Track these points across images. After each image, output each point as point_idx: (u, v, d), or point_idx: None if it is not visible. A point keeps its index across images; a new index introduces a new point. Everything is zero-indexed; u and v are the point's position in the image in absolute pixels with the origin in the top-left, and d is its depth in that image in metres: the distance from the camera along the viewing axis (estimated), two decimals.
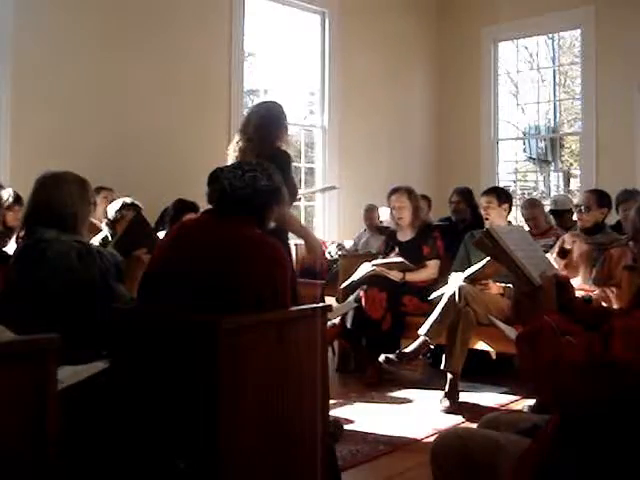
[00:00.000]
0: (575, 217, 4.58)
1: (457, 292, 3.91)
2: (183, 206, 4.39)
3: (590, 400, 1.27)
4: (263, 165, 2.28)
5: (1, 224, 3.42)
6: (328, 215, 6.65)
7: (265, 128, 3.31)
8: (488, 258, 3.84)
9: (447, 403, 3.80)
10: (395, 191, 4.70)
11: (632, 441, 1.29)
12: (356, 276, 4.60)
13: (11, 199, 3.63)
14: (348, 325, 4.38)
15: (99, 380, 2.11)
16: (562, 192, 9.46)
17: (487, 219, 4.29)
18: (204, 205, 2.38)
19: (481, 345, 4.02)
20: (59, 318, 2.12)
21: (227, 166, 2.34)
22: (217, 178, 2.22)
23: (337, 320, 4.40)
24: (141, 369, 2.08)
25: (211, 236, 2.14)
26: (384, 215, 6.00)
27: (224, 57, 5.84)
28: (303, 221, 6.41)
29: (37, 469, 1.62)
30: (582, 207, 4.14)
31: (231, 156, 3.36)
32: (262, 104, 3.61)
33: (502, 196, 4.34)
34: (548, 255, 3.59)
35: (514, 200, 4.91)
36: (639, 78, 6.46)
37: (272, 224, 3.28)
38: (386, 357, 3.96)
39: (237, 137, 3.43)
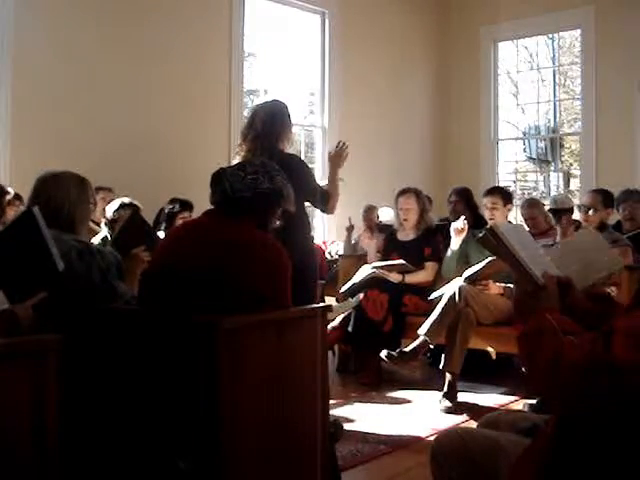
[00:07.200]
0: (577, 217, 4.57)
1: (457, 292, 3.91)
2: (178, 205, 4.40)
3: (590, 400, 1.27)
4: (266, 166, 2.27)
5: (2, 223, 3.41)
6: (328, 215, 6.63)
7: (269, 131, 3.15)
8: (488, 259, 3.85)
9: (446, 403, 3.80)
10: (403, 192, 4.70)
11: (632, 441, 1.29)
12: (356, 279, 4.60)
13: (10, 197, 3.63)
14: (349, 329, 4.37)
15: (100, 379, 2.11)
16: (562, 192, 9.44)
17: (492, 219, 4.25)
18: (204, 205, 2.38)
19: (481, 345, 4.02)
20: (59, 318, 2.12)
21: (230, 167, 2.33)
22: (220, 179, 2.22)
23: (337, 323, 4.40)
24: (141, 369, 2.08)
25: (212, 236, 2.14)
26: (383, 215, 5.99)
27: (224, 57, 5.84)
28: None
29: (37, 468, 1.62)
30: (588, 208, 4.10)
31: (239, 155, 3.20)
32: (266, 103, 3.34)
33: (506, 196, 4.33)
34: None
35: (514, 200, 4.91)
36: (639, 78, 6.46)
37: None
38: (388, 353, 3.97)
39: (243, 137, 3.24)
